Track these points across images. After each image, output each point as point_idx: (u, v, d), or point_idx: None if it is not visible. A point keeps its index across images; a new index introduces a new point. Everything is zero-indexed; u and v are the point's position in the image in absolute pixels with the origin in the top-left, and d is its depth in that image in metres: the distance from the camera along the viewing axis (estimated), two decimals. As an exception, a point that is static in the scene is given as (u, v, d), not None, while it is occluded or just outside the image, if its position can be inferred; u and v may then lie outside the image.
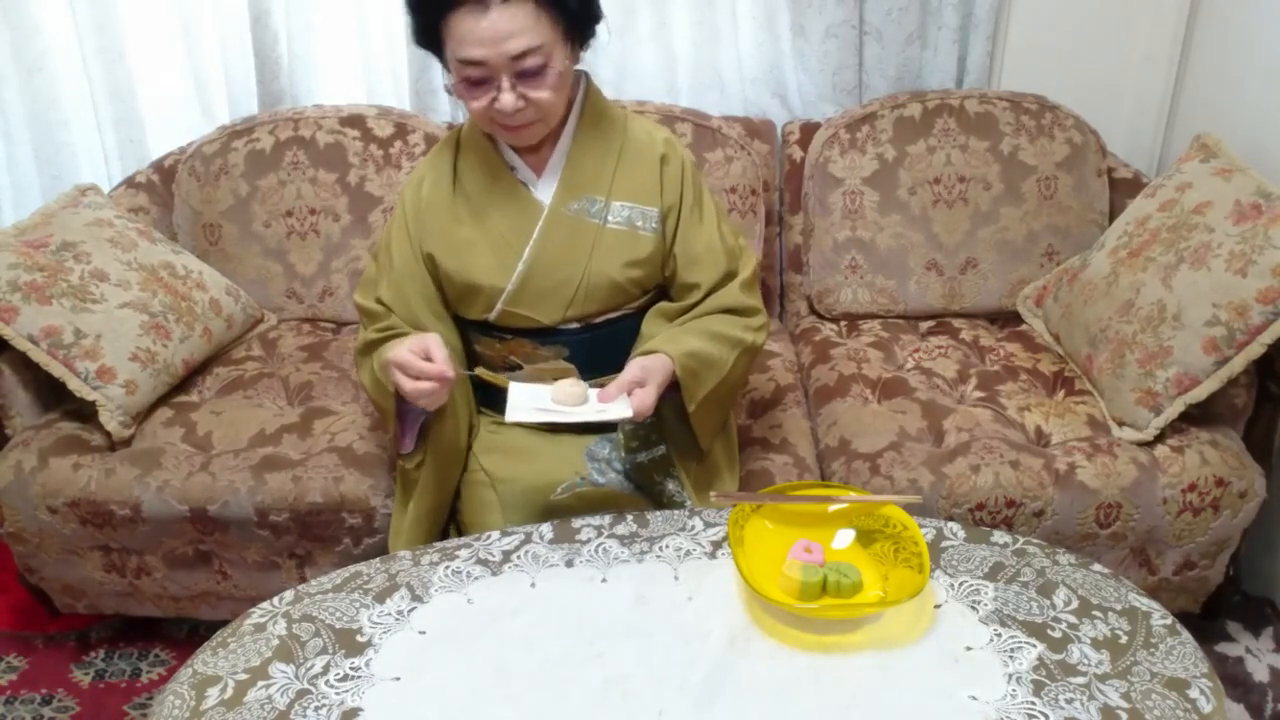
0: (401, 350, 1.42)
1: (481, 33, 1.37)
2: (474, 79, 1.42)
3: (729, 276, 1.60)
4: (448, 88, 1.48)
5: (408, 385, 1.41)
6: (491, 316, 1.58)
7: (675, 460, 1.59)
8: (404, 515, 1.61)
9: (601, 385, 1.56)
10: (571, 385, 1.43)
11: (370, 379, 1.56)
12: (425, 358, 1.41)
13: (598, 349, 1.60)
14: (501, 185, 1.56)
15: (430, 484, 1.59)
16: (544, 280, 1.55)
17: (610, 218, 1.56)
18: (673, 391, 1.51)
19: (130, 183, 2.26)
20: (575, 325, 1.59)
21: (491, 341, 1.62)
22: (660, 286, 1.65)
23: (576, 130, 1.56)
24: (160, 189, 2.26)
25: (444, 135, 2.20)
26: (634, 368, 1.46)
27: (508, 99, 1.41)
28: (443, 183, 1.58)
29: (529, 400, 1.42)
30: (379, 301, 1.59)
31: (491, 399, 1.64)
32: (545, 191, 1.57)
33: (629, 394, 1.43)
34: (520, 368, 1.61)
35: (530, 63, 1.40)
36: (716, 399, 1.57)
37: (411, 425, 1.57)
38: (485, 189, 1.57)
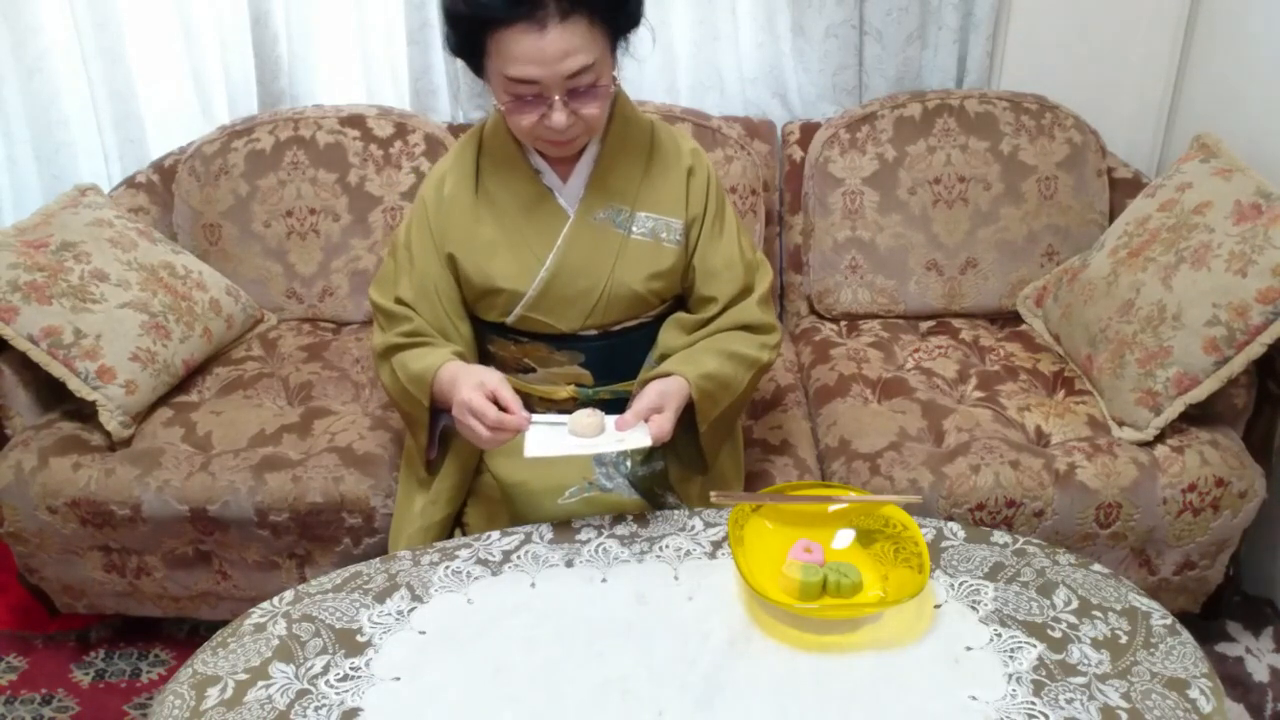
0: (471, 393, 1.39)
1: (538, 52, 1.33)
2: (525, 97, 1.38)
3: (746, 291, 1.58)
4: (497, 108, 1.44)
5: (485, 435, 1.38)
6: (509, 320, 1.56)
7: (672, 476, 1.59)
8: (408, 520, 1.60)
9: (613, 393, 1.56)
10: (588, 416, 1.40)
11: (395, 385, 1.53)
12: (492, 400, 1.39)
13: (614, 356, 1.59)
14: (526, 189, 1.54)
15: (444, 495, 1.58)
16: (566, 288, 1.53)
17: (635, 228, 1.54)
18: (685, 410, 1.49)
19: (130, 183, 2.26)
20: (593, 332, 1.57)
21: (506, 344, 1.60)
22: (679, 296, 1.63)
23: (606, 138, 1.53)
24: (160, 189, 2.26)
25: (444, 135, 2.23)
26: (651, 393, 1.43)
27: (560, 118, 1.38)
28: (465, 183, 1.55)
29: (546, 435, 1.39)
30: (399, 301, 1.56)
31: None
32: (571, 198, 1.54)
33: (646, 420, 1.41)
34: (534, 370, 1.60)
35: (584, 80, 1.37)
36: (726, 417, 1.56)
37: (434, 433, 1.56)
38: (509, 191, 1.54)
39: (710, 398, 1.49)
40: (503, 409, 1.39)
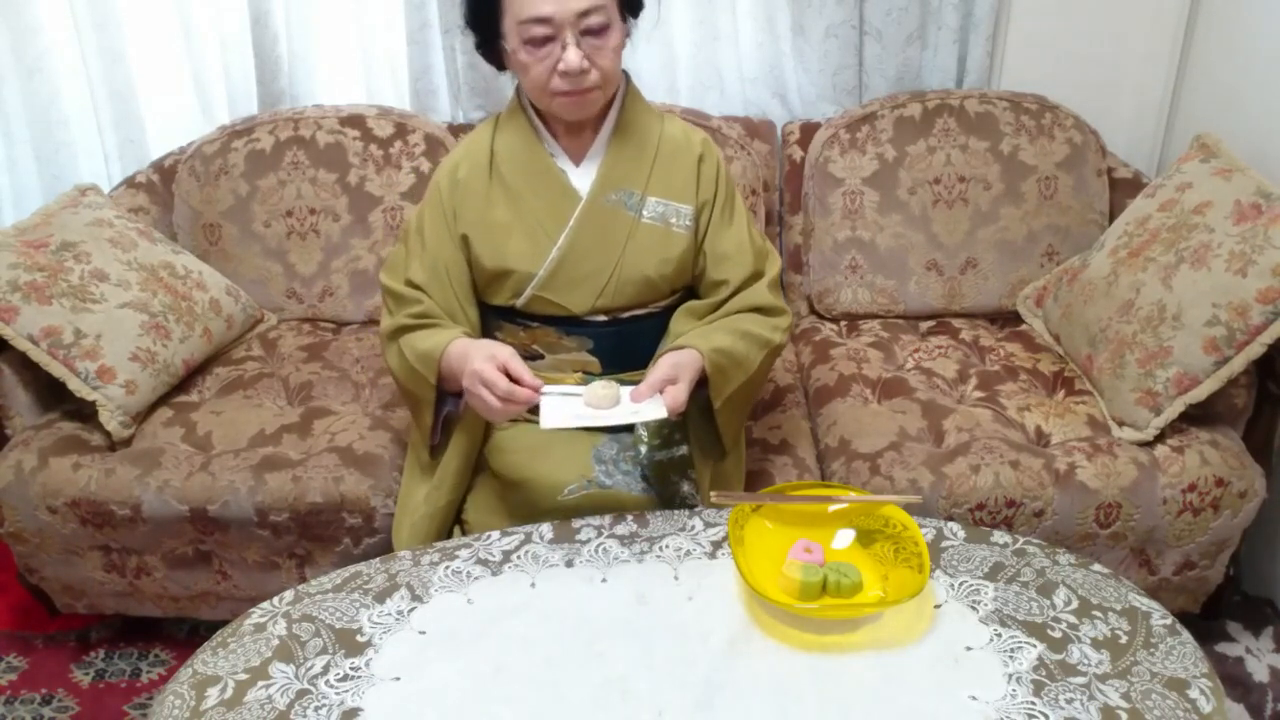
0: (483, 364, 1.40)
1: None
2: (538, 38, 1.43)
3: (756, 276, 1.61)
4: (518, 74, 1.48)
5: (496, 404, 1.40)
6: (520, 302, 1.58)
7: (694, 463, 1.59)
8: (411, 508, 1.61)
9: (624, 381, 1.55)
10: (604, 387, 1.41)
11: (402, 365, 1.55)
12: (503, 372, 1.40)
13: (622, 344, 1.60)
14: (539, 171, 1.57)
15: (448, 480, 1.59)
16: (577, 268, 1.56)
17: (645, 212, 1.57)
18: (699, 388, 1.50)
19: (130, 183, 2.26)
20: (602, 318, 1.59)
21: (515, 329, 1.62)
22: (688, 286, 1.65)
23: (617, 123, 1.57)
24: (160, 189, 2.26)
25: (444, 135, 2.23)
26: (665, 365, 1.45)
27: (573, 54, 1.42)
28: (479, 166, 1.59)
29: (562, 406, 1.40)
30: (410, 284, 1.58)
31: None
32: (583, 180, 1.57)
33: (661, 392, 1.42)
34: (542, 357, 1.61)
35: (594, 20, 1.42)
36: (741, 397, 1.58)
37: (439, 417, 1.57)
38: (523, 173, 1.57)
39: (723, 372, 1.51)
40: (514, 381, 1.40)
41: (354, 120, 2.22)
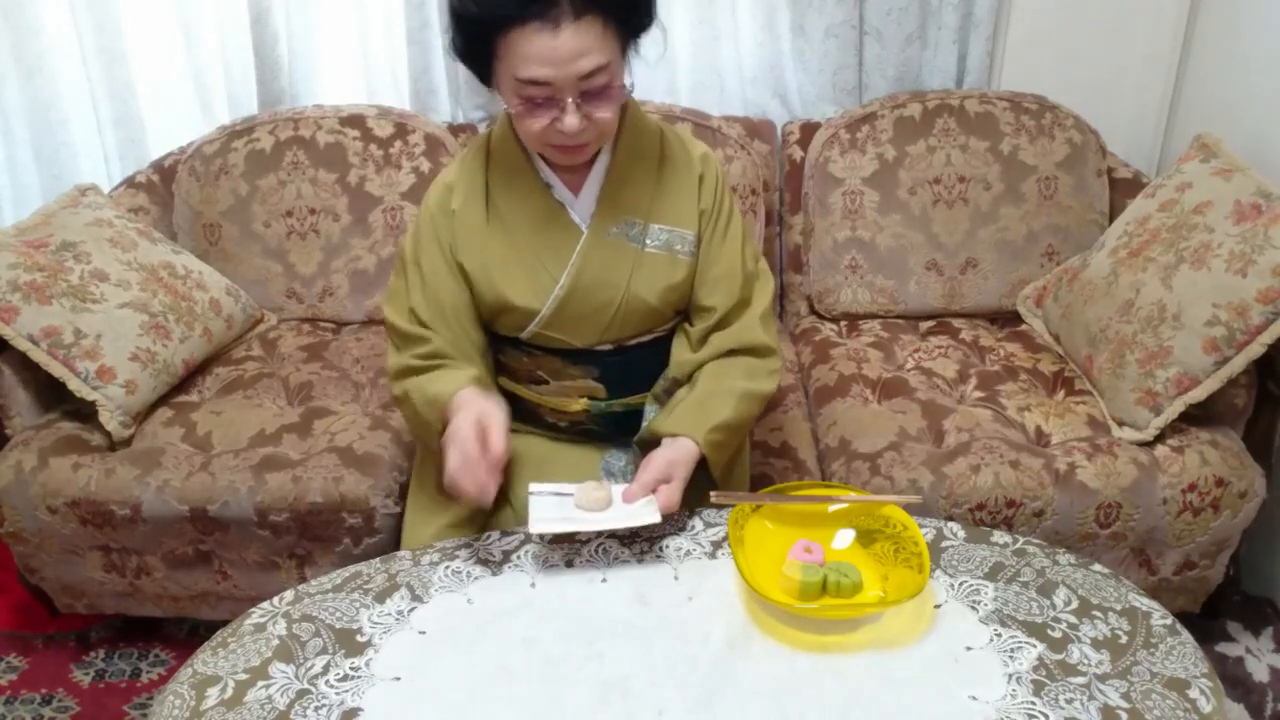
0: (464, 421, 1.35)
1: (551, 52, 1.28)
2: (536, 99, 1.34)
3: (744, 304, 1.54)
4: (506, 111, 1.40)
5: (451, 467, 1.33)
6: (523, 336, 1.53)
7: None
8: (427, 525, 1.55)
9: (626, 405, 1.54)
10: (595, 489, 1.37)
11: (409, 408, 1.49)
12: (482, 440, 1.34)
13: (628, 370, 1.56)
14: (537, 204, 1.50)
15: (461, 529, 1.53)
16: (581, 305, 1.50)
17: (649, 241, 1.50)
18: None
19: (130, 183, 2.26)
20: (608, 347, 1.54)
21: (519, 356, 1.57)
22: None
23: (616, 148, 1.48)
24: (160, 189, 2.26)
25: (444, 135, 2.23)
26: (659, 463, 1.39)
27: (572, 120, 1.33)
28: (475, 196, 1.51)
29: (552, 509, 1.36)
30: (415, 318, 1.51)
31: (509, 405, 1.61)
32: (583, 212, 1.50)
33: (654, 491, 1.37)
34: (548, 382, 1.58)
35: (597, 81, 1.33)
36: (734, 452, 1.54)
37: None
38: (519, 207, 1.50)
39: (721, 446, 1.46)
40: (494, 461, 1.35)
41: (354, 120, 2.22)
